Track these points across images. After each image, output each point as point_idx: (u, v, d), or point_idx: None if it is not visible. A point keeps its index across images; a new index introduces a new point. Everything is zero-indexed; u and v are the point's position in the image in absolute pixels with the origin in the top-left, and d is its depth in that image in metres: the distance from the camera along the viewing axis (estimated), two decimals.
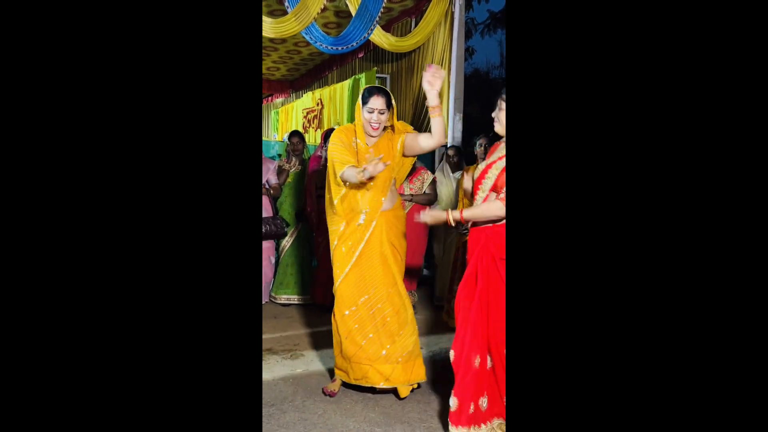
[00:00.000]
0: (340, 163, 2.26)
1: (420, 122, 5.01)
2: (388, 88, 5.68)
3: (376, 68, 5.36)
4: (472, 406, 1.90)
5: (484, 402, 1.93)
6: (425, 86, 2.16)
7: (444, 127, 2.25)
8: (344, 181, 2.26)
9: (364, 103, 2.27)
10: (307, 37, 4.24)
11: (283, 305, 4.04)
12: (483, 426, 1.93)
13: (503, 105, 1.99)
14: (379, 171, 2.10)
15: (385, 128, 2.34)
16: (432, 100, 2.17)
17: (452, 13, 4.79)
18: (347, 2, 4.22)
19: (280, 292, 4.09)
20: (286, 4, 3.97)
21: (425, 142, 2.30)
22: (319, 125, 6.49)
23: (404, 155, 2.40)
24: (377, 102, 2.24)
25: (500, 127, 2.02)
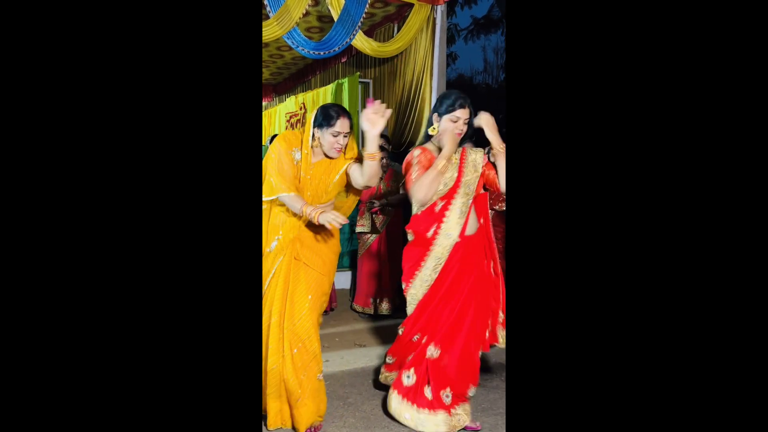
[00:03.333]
0: (281, 178, 2.03)
1: (403, 128, 5.03)
2: (370, 93, 5.71)
3: (358, 73, 5.37)
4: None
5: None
6: (364, 126, 1.91)
7: (376, 172, 2.03)
8: (282, 202, 2.07)
9: (329, 124, 2.04)
10: (289, 42, 4.22)
11: None
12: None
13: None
14: (330, 224, 1.91)
15: None
16: (369, 144, 1.95)
17: (434, 19, 4.82)
18: (329, 7, 4.22)
19: None
20: (268, 8, 3.95)
21: (355, 178, 2.10)
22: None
23: (348, 186, 2.20)
24: (345, 125, 2.05)
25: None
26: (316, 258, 2.13)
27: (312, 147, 2.12)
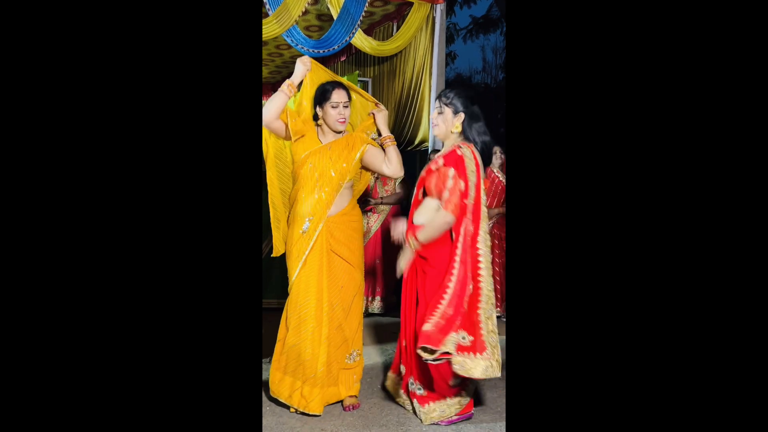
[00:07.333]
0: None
1: (401, 127, 5.02)
2: (369, 92, 5.70)
3: (358, 72, 5.36)
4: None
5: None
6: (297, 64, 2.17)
7: (400, 156, 2.24)
8: (268, 123, 2.13)
9: (326, 99, 2.16)
10: (288, 40, 4.22)
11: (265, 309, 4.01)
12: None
13: (446, 110, 2.07)
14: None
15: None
16: (383, 129, 2.23)
17: (433, 18, 4.82)
18: (329, 5, 4.22)
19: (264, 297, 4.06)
20: (267, 6, 3.95)
21: (382, 167, 2.23)
22: None
23: (362, 168, 2.31)
24: (340, 95, 2.17)
25: (438, 131, 2.15)
26: (344, 249, 2.22)
27: (319, 126, 2.23)
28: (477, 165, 2.06)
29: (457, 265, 2.00)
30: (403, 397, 2.30)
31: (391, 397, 2.46)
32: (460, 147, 2.06)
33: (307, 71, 2.19)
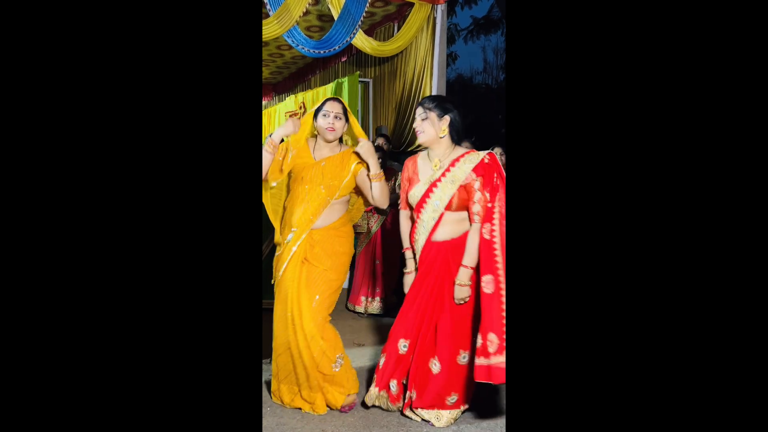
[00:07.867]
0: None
1: (402, 127, 5.03)
2: (370, 92, 5.71)
3: (358, 72, 5.37)
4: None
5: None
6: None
7: (386, 191, 2.26)
8: (264, 180, 2.23)
9: (319, 109, 2.22)
10: (289, 40, 4.23)
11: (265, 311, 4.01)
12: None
13: (431, 115, 2.08)
14: (283, 133, 2.15)
15: (341, 140, 2.30)
16: (372, 166, 2.21)
17: (434, 19, 4.83)
18: (330, 6, 4.23)
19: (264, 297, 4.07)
20: (268, 7, 3.96)
21: (369, 194, 2.26)
22: None
23: (355, 189, 2.32)
24: (333, 106, 2.20)
25: (425, 137, 2.11)
26: (326, 258, 2.23)
27: (314, 140, 2.30)
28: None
29: (503, 280, 1.96)
30: (399, 404, 2.26)
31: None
32: (488, 156, 2.05)
33: (293, 132, 2.20)
